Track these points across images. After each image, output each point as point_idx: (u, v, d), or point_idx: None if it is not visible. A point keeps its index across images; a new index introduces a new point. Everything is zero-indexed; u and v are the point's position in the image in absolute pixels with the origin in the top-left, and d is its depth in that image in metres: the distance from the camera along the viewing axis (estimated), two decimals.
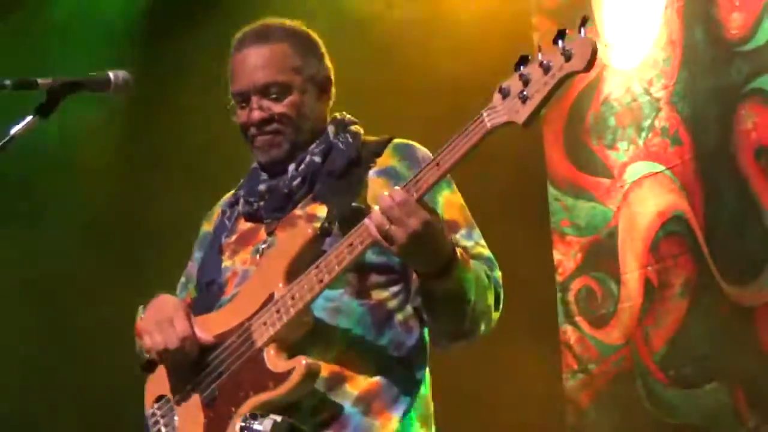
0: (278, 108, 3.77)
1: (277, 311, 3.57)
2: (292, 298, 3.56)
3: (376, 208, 3.41)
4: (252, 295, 3.69)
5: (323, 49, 3.91)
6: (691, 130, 6.95)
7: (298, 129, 3.79)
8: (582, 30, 3.19)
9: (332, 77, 3.91)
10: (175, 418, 3.79)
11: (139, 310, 3.90)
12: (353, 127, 3.87)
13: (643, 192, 7.17)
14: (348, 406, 3.63)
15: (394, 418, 3.71)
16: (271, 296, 3.62)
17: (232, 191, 4.04)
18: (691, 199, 6.86)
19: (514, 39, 7.26)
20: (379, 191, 3.57)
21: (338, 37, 8.01)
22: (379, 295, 3.70)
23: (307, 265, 3.57)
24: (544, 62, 3.23)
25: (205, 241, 4.06)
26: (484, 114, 3.31)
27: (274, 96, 3.78)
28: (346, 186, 3.75)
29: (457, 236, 3.67)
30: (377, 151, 3.81)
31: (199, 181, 7.56)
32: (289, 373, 3.51)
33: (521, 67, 3.28)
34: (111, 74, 3.54)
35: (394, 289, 3.70)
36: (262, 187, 3.82)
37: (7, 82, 3.47)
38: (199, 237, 4.13)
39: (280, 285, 3.61)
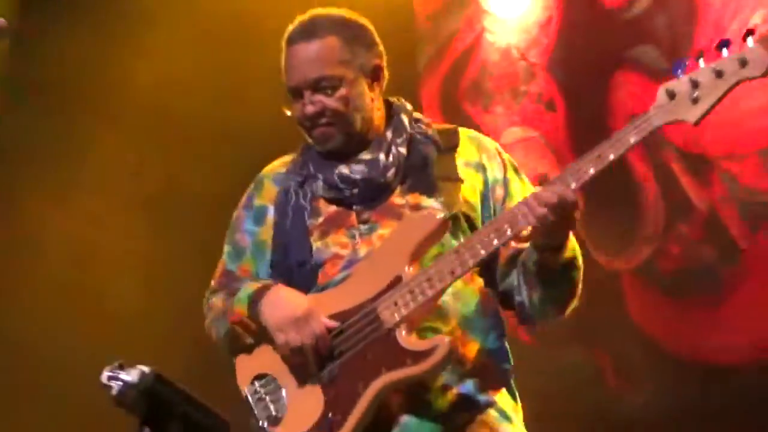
0: (330, 102, 3.87)
1: (411, 292, 3.67)
2: (428, 279, 3.66)
3: (532, 199, 3.59)
4: (372, 276, 3.79)
5: (374, 36, 4.02)
6: (566, 97, 7.08)
7: (350, 121, 3.89)
8: (749, 39, 3.44)
9: (384, 64, 4.01)
10: (284, 395, 3.89)
11: (243, 298, 3.96)
12: (422, 117, 4.03)
13: (516, 156, 6.96)
14: (471, 380, 3.79)
15: (503, 391, 3.86)
16: (398, 278, 3.72)
17: (283, 167, 4.15)
18: (564, 165, 6.80)
19: (396, 13, 7.24)
20: (472, 183, 3.86)
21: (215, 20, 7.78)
22: (480, 282, 3.84)
23: (426, 251, 3.76)
24: (716, 68, 3.45)
25: (262, 215, 4.11)
26: (651, 112, 3.52)
27: (325, 90, 3.88)
28: (445, 177, 3.89)
29: None
30: (454, 140, 3.95)
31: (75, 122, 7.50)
32: (430, 351, 3.63)
33: (681, 71, 3.52)
34: None
35: (486, 278, 3.84)
36: (357, 175, 3.90)
37: None
38: (255, 202, 4.16)
39: (407, 268, 3.72)
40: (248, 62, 7.16)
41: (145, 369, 3.04)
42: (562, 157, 6.99)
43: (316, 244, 3.92)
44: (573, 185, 3.57)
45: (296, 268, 3.94)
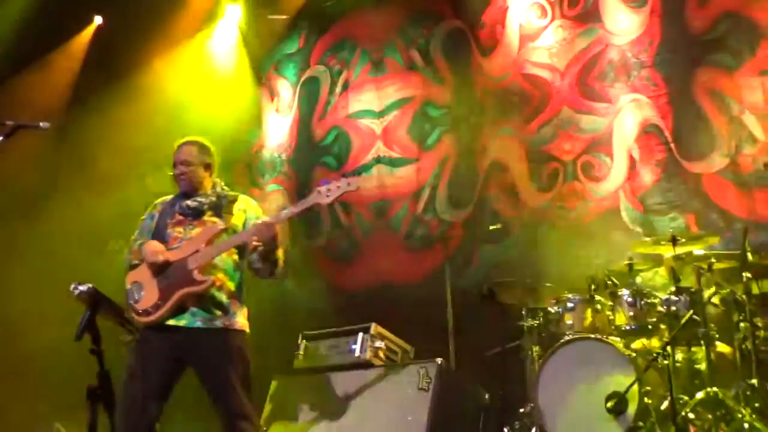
0: (186, 170, 4.07)
1: (202, 256, 3.91)
2: (209, 253, 3.91)
3: (258, 221, 3.84)
4: (188, 248, 3.96)
5: (212, 153, 4.15)
6: (295, 180, 7.46)
7: (193, 181, 4.08)
8: (354, 179, 3.81)
9: (212, 162, 4.13)
10: (143, 291, 3.93)
11: (135, 243, 4.06)
12: (226, 187, 4.18)
13: (274, 197, 7.57)
14: (224, 300, 3.98)
15: (240, 305, 4.01)
16: (198, 250, 3.93)
17: (168, 198, 4.20)
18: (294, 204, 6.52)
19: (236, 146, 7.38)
20: (240, 217, 4.04)
21: None
22: (235, 256, 4.06)
23: (213, 241, 3.92)
24: (338, 184, 3.78)
25: (153, 217, 4.15)
26: (311, 197, 3.83)
27: (185, 165, 4.07)
28: (228, 211, 4.04)
29: None
30: (235, 198, 4.12)
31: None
32: (204, 282, 3.87)
33: (326, 184, 3.79)
34: (41, 123, 3.46)
35: (239, 254, 4.06)
36: (193, 205, 4.06)
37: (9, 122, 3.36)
38: (150, 211, 4.19)
39: (203, 246, 3.92)
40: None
41: (90, 285, 3.10)
42: (294, 200, 7.27)
43: (168, 230, 4.03)
44: (274, 222, 3.81)
45: (159, 236, 4.03)
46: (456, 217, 6.59)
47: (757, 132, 5.39)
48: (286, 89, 7.76)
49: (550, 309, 5.04)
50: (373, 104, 7.18)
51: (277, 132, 7.80)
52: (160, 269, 3.93)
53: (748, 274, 4.43)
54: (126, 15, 7.22)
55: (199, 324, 3.91)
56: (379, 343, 5.23)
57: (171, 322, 3.90)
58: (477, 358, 5.33)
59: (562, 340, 4.75)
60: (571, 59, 6.17)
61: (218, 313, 3.91)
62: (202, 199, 4.06)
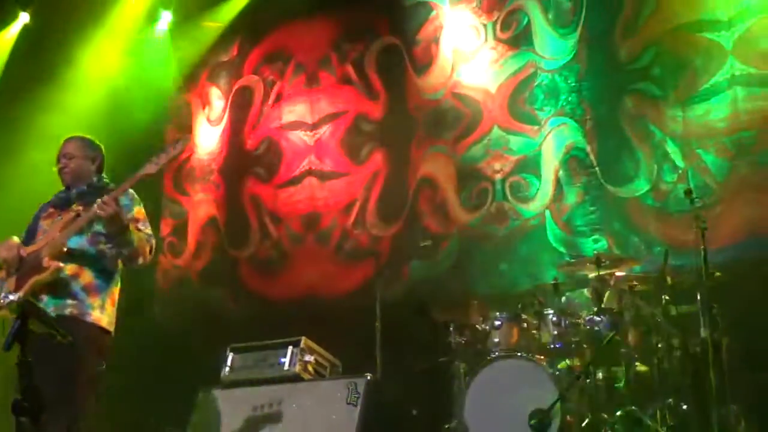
0: (68, 163, 4.07)
1: (53, 244, 3.88)
2: (59, 240, 3.88)
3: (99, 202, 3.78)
4: (46, 238, 3.97)
5: (99, 149, 4.13)
6: (224, 180, 7.52)
7: (74, 174, 4.07)
8: (180, 142, 3.84)
9: (97, 157, 4.10)
10: (5, 283, 3.91)
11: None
12: (104, 181, 4.13)
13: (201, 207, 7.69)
14: (79, 289, 3.88)
15: (99, 297, 3.90)
16: (53, 239, 3.93)
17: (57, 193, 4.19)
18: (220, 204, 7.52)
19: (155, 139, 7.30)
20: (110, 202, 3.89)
21: None
22: (102, 245, 3.97)
23: (70, 228, 3.90)
24: (166, 152, 3.76)
25: (38, 210, 4.21)
26: (143, 168, 3.74)
27: (67, 158, 4.08)
28: (94, 200, 3.87)
29: (139, 225, 3.95)
30: (114, 189, 3.95)
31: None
32: (48, 268, 3.81)
33: (156, 157, 3.74)
34: None
35: (110, 245, 3.94)
36: (62, 196, 4.10)
37: None
38: (40, 208, 4.22)
39: (57, 234, 3.92)
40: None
41: (21, 293, 3.17)
42: (223, 209, 7.44)
43: (40, 223, 4.05)
44: (111, 198, 3.72)
45: (32, 230, 4.05)
46: (385, 231, 6.67)
47: (678, 159, 5.66)
48: (218, 98, 7.75)
49: (477, 326, 5.11)
50: (306, 116, 7.22)
51: (207, 140, 7.77)
52: (20, 264, 3.90)
53: (667, 297, 4.61)
54: (57, 13, 7.21)
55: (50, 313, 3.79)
56: (308, 357, 5.25)
57: None
58: (404, 373, 5.37)
59: (488, 358, 4.84)
60: (502, 81, 6.39)
61: (70, 301, 3.83)
62: (73, 191, 4.04)
